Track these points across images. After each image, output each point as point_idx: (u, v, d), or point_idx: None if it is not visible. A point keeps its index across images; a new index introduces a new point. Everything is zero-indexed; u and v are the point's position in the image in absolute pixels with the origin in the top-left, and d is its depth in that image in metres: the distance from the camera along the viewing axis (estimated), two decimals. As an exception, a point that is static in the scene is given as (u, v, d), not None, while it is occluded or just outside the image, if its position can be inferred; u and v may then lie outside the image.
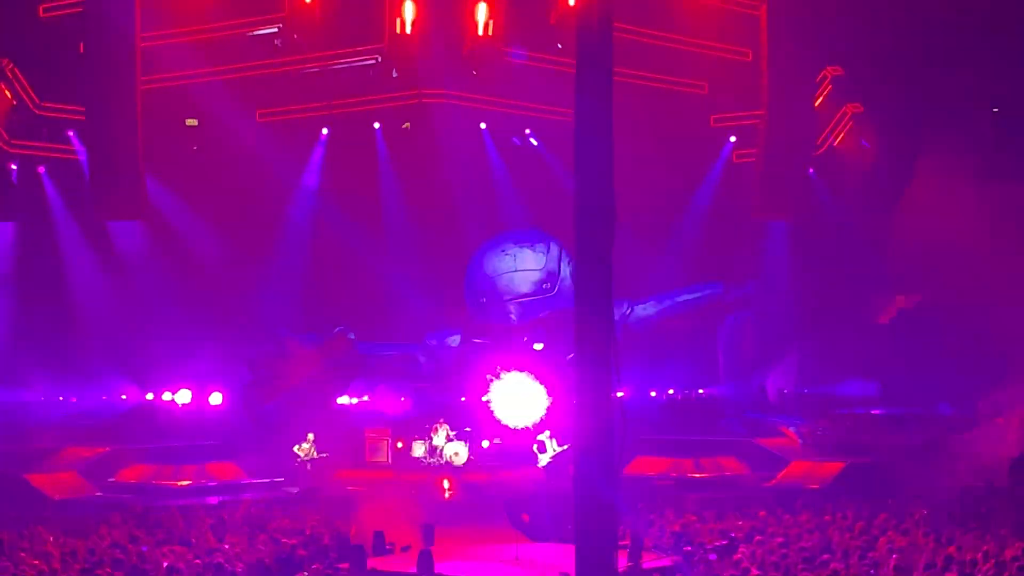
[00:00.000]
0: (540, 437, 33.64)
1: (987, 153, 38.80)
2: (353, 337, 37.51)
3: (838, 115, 39.52)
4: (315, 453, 35.13)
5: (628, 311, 37.05)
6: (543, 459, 33.72)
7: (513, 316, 37.20)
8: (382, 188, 41.76)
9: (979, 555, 19.93)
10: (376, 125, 41.31)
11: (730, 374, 39.19)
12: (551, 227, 38.80)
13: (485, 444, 36.86)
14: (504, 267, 37.33)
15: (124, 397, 39.22)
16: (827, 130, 39.60)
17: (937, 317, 39.27)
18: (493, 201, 41.82)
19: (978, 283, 36.54)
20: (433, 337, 38.81)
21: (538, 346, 37.32)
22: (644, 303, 37.69)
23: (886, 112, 38.55)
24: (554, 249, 37.23)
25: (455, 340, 38.62)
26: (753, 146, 38.20)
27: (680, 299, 38.21)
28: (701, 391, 39.96)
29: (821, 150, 39.42)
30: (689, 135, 40.42)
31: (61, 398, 38.72)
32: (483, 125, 41.38)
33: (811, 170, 38.86)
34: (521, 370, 35.46)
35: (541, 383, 34.96)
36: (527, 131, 41.44)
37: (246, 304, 39.51)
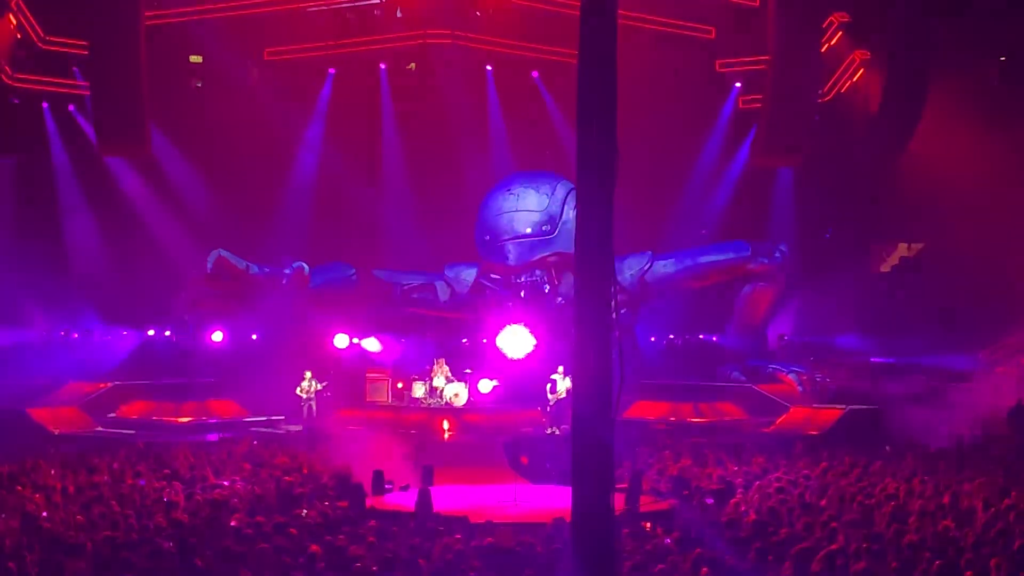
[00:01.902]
0: (553, 376, 33.62)
1: (993, 100, 38.66)
2: (308, 271, 37.49)
3: (846, 61, 39.35)
4: (317, 385, 35.14)
5: (648, 266, 37.04)
6: (552, 400, 33.75)
7: (510, 256, 37.24)
8: (385, 128, 41.64)
9: (976, 503, 19.99)
10: (381, 65, 41.14)
11: (739, 336, 39.21)
12: (554, 168, 38.79)
13: (486, 387, 36.97)
14: (507, 206, 37.41)
15: (124, 333, 39.24)
16: (834, 76, 39.44)
17: (939, 266, 39.26)
18: (496, 142, 41.71)
19: (981, 232, 36.51)
20: (451, 269, 39.04)
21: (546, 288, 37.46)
22: (665, 259, 37.62)
23: (893, 59, 38.37)
24: (560, 191, 37.17)
25: (470, 274, 38.79)
26: (759, 92, 38.06)
27: (703, 260, 37.99)
28: (701, 337, 39.98)
29: (828, 96, 39.27)
30: (695, 80, 40.23)
31: (63, 333, 38.74)
32: (488, 67, 41.18)
33: (817, 116, 38.76)
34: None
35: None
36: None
37: (250, 240, 39.51)
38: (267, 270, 37.44)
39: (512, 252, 37.37)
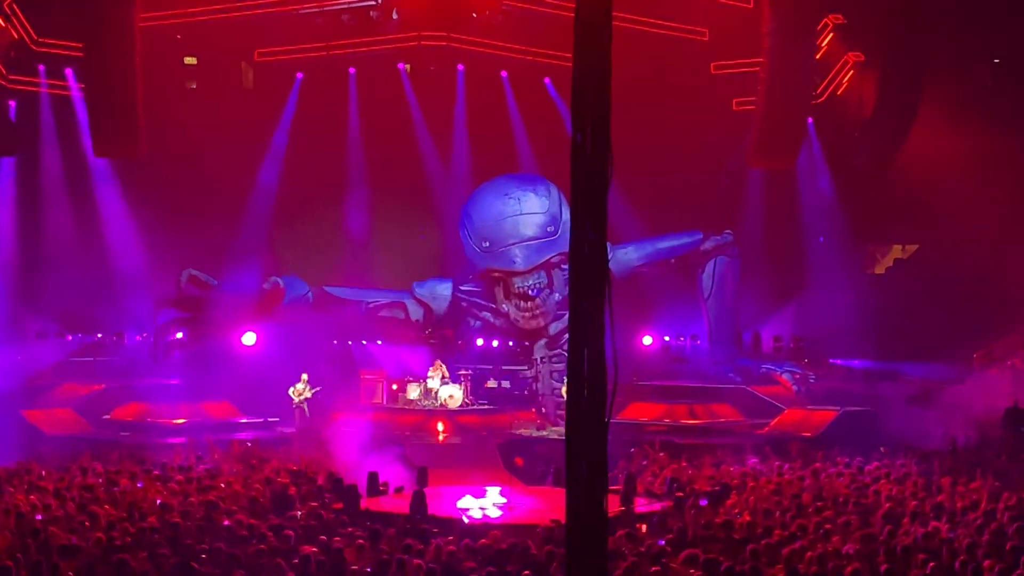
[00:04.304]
0: None
1: (987, 103, 38.73)
2: (283, 286, 36.95)
3: (839, 64, 39.38)
4: (309, 393, 35.08)
5: (609, 255, 37.10)
6: None
7: (518, 260, 37.21)
8: (380, 130, 41.56)
9: (969, 504, 20.04)
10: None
11: (716, 321, 39.35)
12: (544, 171, 38.77)
13: (491, 384, 37.30)
14: (509, 210, 37.32)
15: (119, 335, 39.15)
16: (828, 78, 39.47)
17: (934, 268, 39.33)
18: (489, 145, 41.62)
19: (976, 234, 36.57)
20: (422, 286, 38.82)
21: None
22: (624, 247, 37.93)
23: (887, 61, 38.41)
24: (554, 192, 37.30)
25: (446, 289, 38.69)
26: (753, 94, 38.08)
27: (660, 245, 38.88)
28: (696, 339, 40.06)
29: (821, 99, 39.32)
30: (689, 82, 40.26)
31: (58, 335, 38.69)
32: (481, 69, 41.15)
33: (810, 119, 38.80)
34: None
35: None
36: None
37: (243, 246, 39.48)
38: (239, 288, 36.96)
39: (519, 256, 37.32)
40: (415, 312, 39.00)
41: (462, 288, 38.80)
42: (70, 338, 38.94)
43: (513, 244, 37.37)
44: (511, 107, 41.55)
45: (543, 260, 37.26)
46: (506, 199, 37.70)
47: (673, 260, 39.39)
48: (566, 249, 33.24)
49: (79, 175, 39.42)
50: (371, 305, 38.93)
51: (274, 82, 40.95)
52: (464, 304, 38.89)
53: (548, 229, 37.17)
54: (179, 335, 37.04)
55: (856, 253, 42.23)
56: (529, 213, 37.37)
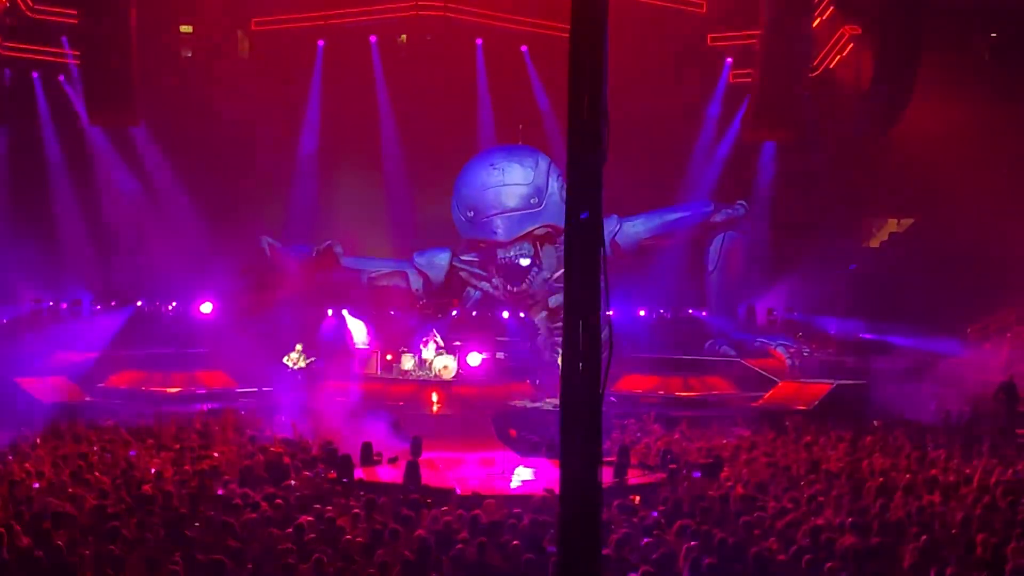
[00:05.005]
0: None
1: (984, 76, 38.68)
2: (341, 251, 37.34)
3: (836, 36, 39.30)
4: (304, 362, 35.05)
5: (617, 228, 37.06)
6: None
7: (499, 231, 37.10)
8: (377, 101, 41.49)
9: (962, 479, 20.07)
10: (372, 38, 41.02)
11: (718, 295, 39.32)
12: (540, 143, 38.64)
13: (475, 360, 37.05)
14: (492, 181, 37.16)
15: (113, 304, 39.15)
16: (824, 51, 39.40)
17: (929, 241, 39.32)
18: (484, 116, 41.55)
19: (972, 208, 36.56)
20: (421, 256, 38.71)
21: (524, 261, 37.29)
22: (633, 220, 37.75)
23: (884, 34, 38.33)
24: (542, 164, 37.09)
25: (444, 258, 38.54)
26: (750, 66, 38.00)
27: (669, 218, 38.52)
28: (691, 311, 40.04)
29: (818, 71, 39.24)
30: (686, 54, 40.19)
31: (51, 304, 38.68)
32: (479, 40, 41.05)
33: (807, 91, 38.73)
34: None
35: None
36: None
37: (236, 215, 39.44)
38: (304, 250, 37.42)
39: (501, 226, 37.18)
40: (415, 281, 38.90)
41: (462, 258, 38.67)
42: (64, 306, 38.89)
43: (495, 215, 37.22)
44: (506, 78, 41.46)
45: (525, 232, 37.09)
46: (490, 169, 37.52)
47: (683, 232, 39.04)
48: (550, 221, 33.13)
49: (74, 143, 39.31)
50: (373, 275, 38.88)
51: (270, 51, 40.85)
52: (463, 274, 38.77)
53: (531, 201, 36.95)
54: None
55: (852, 226, 42.19)
56: (512, 184, 37.16)
